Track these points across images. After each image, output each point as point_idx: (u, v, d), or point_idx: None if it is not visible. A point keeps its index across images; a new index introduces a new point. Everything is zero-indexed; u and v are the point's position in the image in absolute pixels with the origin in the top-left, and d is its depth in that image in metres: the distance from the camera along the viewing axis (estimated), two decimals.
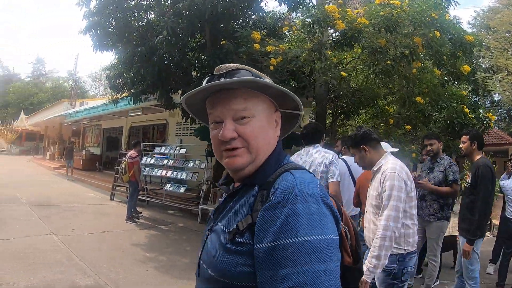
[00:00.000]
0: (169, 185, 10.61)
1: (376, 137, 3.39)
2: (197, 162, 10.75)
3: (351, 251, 1.25)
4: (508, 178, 6.77)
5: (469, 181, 4.64)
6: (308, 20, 6.68)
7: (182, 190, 10.69)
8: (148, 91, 9.74)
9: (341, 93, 8.46)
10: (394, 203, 2.94)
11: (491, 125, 9.43)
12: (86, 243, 7.37)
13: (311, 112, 12.49)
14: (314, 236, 0.95)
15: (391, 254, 2.96)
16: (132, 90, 9.87)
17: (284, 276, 0.93)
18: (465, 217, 4.58)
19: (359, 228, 4.57)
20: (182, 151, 11.44)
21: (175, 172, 10.64)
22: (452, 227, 6.96)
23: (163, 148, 11.47)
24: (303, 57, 6.99)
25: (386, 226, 2.90)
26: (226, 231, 1.09)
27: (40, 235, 7.61)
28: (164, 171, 10.71)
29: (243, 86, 1.13)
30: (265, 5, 9.62)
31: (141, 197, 11.12)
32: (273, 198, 1.02)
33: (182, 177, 10.71)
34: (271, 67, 6.67)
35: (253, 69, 1.19)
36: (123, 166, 10.05)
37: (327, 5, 7.29)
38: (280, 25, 9.91)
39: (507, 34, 13.30)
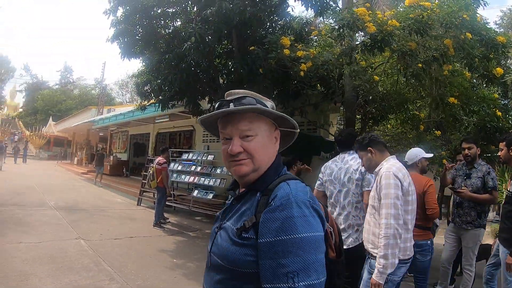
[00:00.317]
0: (197, 191, 10.60)
1: (382, 141, 3.50)
2: (225, 169, 10.63)
3: (335, 247, 1.51)
4: None
5: (510, 189, 4.46)
6: (338, 24, 6.55)
7: (210, 196, 10.62)
8: (175, 97, 9.76)
9: (370, 97, 8.32)
10: (391, 201, 2.98)
11: None
12: (114, 248, 7.42)
13: (339, 118, 12.35)
14: (306, 234, 1.23)
15: None
16: (160, 97, 9.89)
17: (283, 264, 1.19)
18: (505, 227, 4.40)
19: None
20: (210, 157, 11.39)
21: (202, 179, 10.61)
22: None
23: (191, 154, 11.46)
24: (333, 62, 6.85)
25: (387, 224, 2.93)
26: (234, 228, 1.35)
27: (68, 239, 7.69)
28: (192, 177, 10.70)
29: (248, 112, 1.40)
30: (292, 10, 9.52)
31: (168, 203, 11.14)
32: (273, 203, 1.28)
33: (209, 184, 10.66)
34: (301, 73, 6.58)
35: (257, 94, 1.48)
36: (151, 172, 10.07)
37: (352, 9, 7.16)
38: (307, 30, 9.81)
39: None
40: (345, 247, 3.78)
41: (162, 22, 9.59)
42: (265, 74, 7.77)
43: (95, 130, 30.39)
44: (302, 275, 1.19)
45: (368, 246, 3.30)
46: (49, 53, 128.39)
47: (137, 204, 13.39)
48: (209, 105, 10.09)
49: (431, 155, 5.02)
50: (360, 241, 3.90)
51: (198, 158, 11.56)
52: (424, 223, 4.44)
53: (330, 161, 4.33)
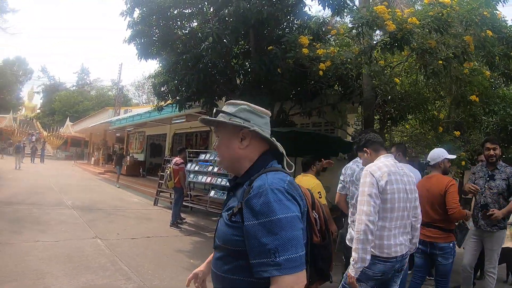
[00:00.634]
0: (213, 191, 10.55)
1: (378, 141, 3.52)
2: None
3: (321, 232, 1.73)
4: None
5: None
6: (357, 22, 6.46)
7: None
8: (192, 98, 9.74)
9: (389, 97, 8.22)
10: (365, 198, 3.06)
11: None
12: (131, 248, 7.40)
13: (356, 118, 12.23)
14: (282, 215, 1.43)
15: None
16: (177, 97, 9.89)
17: (265, 243, 1.41)
18: None
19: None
20: None
21: (219, 179, 10.56)
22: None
23: (207, 155, 11.43)
24: (352, 61, 6.75)
25: (359, 220, 3.01)
26: (227, 214, 1.62)
27: (85, 239, 7.70)
28: (209, 178, 10.66)
29: (204, 123, 1.84)
30: (309, 10, 9.45)
31: (185, 203, 11.10)
32: (252, 192, 1.51)
33: (226, 184, 10.58)
34: (320, 72, 6.50)
35: (230, 103, 1.79)
36: (168, 172, 10.07)
37: (369, 7, 7.05)
38: (324, 29, 9.73)
39: None
40: None
41: (179, 23, 9.60)
42: (283, 74, 7.72)
43: (112, 130, 30.53)
44: (282, 250, 1.40)
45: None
46: (66, 54, 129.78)
47: (154, 204, 13.41)
48: None
49: (454, 156, 4.92)
50: None
51: (215, 158, 11.43)
52: (446, 225, 4.37)
53: (351, 162, 4.26)
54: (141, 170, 23.78)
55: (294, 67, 7.37)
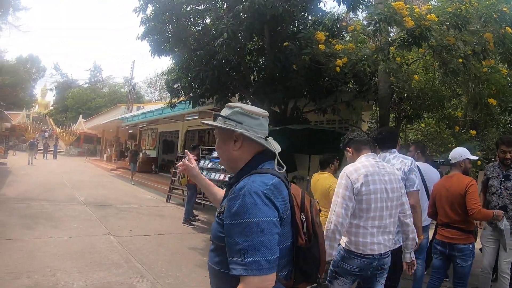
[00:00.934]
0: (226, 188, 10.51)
1: (361, 140, 3.50)
2: None
3: (308, 235, 1.73)
4: None
5: None
6: (375, 18, 6.34)
7: None
8: (206, 95, 9.70)
9: (405, 95, 8.09)
10: (338, 199, 3.14)
11: None
12: (144, 245, 7.38)
13: (370, 117, 12.08)
14: (255, 219, 1.48)
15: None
16: (191, 94, 9.85)
17: (237, 242, 1.48)
18: None
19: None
20: None
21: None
22: None
23: None
24: (370, 57, 6.62)
25: (330, 219, 3.12)
26: (217, 212, 1.71)
27: (98, 235, 7.71)
28: (222, 175, 10.61)
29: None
30: (324, 6, 9.34)
31: (198, 200, 11.05)
32: (232, 193, 1.59)
33: None
34: (337, 69, 6.39)
35: (227, 106, 1.86)
36: None
37: (387, 3, 6.92)
38: (338, 26, 9.62)
39: None
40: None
41: (192, 19, 9.54)
42: (298, 70, 7.63)
43: (125, 127, 30.69)
44: (250, 252, 1.45)
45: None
46: (79, 52, 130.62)
47: (166, 201, 13.40)
48: (240, 102, 10.01)
49: (476, 157, 4.81)
50: (401, 244, 3.75)
51: None
52: (466, 226, 4.29)
53: None
54: (153, 167, 23.87)
55: (309, 64, 7.26)
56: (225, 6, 9.17)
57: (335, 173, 5.45)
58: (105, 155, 36.73)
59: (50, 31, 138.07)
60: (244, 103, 2.04)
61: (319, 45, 6.61)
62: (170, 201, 13.38)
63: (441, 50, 6.54)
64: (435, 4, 7.34)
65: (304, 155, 10.48)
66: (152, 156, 25.57)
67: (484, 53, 6.43)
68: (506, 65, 7.40)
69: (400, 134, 9.73)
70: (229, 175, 10.73)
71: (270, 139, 1.82)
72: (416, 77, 7.49)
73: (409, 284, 5.19)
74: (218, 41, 7.48)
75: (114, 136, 36.66)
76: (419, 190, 3.81)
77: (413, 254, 3.49)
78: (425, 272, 5.11)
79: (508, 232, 4.62)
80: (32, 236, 7.06)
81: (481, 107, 7.65)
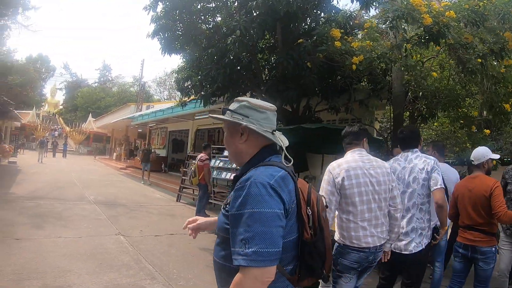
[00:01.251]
0: None
1: (350, 136, 3.56)
2: None
3: (314, 229, 1.69)
4: None
5: None
6: (392, 15, 6.18)
7: None
8: (217, 94, 9.60)
9: (420, 93, 7.93)
10: (322, 194, 3.09)
11: None
12: (155, 245, 7.29)
13: (382, 116, 11.91)
14: (259, 209, 1.48)
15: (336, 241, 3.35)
16: (202, 93, 9.76)
17: (239, 232, 1.48)
18: None
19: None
20: None
21: None
22: None
23: None
24: (388, 55, 6.46)
25: None
26: (223, 205, 1.72)
27: (108, 235, 7.63)
28: (233, 175, 10.49)
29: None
30: (337, 3, 9.22)
31: (208, 200, 10.95)
32: (238, 184, 1.59)
33: None
34: (353, 66, 6.24)
35: (235, 100, 1.87)
36: (192, 169, 9.92)
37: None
38: (351, 23, 9.47)
39: None
40: (406, 252, 3.54)
41: (202, 17, 9.47)
42: (311, 68, 7.51)
43: (134, 126, 30.76)
44: (252, 242, 1.45)
45: None
46: (88, 52, 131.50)
47: (177, 200, 13.34)
48: None
49: (498, 156, 4.67)
50: (424, 246, 3.63)
51: None
52: (489, 228, 4.17)
53: (391, 160, 4.03)
54: (163, 166, 23.84)
55: (323, 62, 7.13)
56: (236, 4, 9.11)
57: None
58: (115, 154, 36.91)
59: (59, 31, 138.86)
60: None
61: (335, 42, 6.47)
62: (181, 201, 13.31)
63: (458, 48, 6.40)
64: (452, 0, 7.19)
65: (317, 155, 10.35)
66: (162, 155, 25.55)
67: (502, 52, 6.28)
68: None
69: None
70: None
71: (277, 133, 1.83)
72: (434, 74, 7.33)
73: (427, 287, 5.07)
74: (231, 38, 7.39)
75: (123, 135, 36.81)
76: (443, 188, 3.66)
77: (393, 245, 3.51)
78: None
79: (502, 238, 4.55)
80: (41, 236, 6.98)
81: (497, 108, 7.51)
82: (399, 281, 4.04)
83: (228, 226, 1.58)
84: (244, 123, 1.75)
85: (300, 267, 1.70)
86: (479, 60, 6.30)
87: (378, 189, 3.27)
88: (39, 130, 44.73)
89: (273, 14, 7.30)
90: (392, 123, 8.48)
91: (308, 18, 9.31)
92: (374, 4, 7.87)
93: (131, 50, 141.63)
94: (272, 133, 1.79)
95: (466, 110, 8.80)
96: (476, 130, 8.34)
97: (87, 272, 5.39)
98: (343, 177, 3.25)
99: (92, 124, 47.67)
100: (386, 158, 8.52)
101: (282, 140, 1.81)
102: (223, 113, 1.86)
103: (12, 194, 11.15)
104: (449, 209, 4.61)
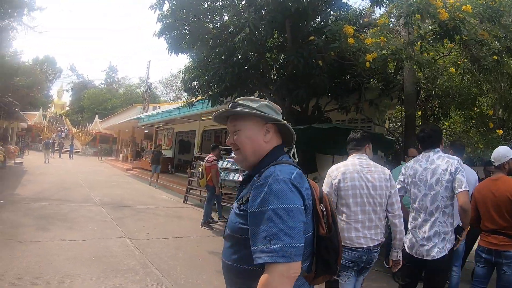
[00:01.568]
0: None
1: (351, 142, 3.73)
2: None
3: (328, 225, 1.71)
4: None
5: None
6: (406, 10, 5.98)
7: None
8: (225, 93, 9.46)
9: (434, 92, 7.74)
10: None
11: None
12: (161, 249, 7.08)
13: (393, 115, 11.73)
14: (282, 205, 1.48)
15: None
16: (210, 92, 9.62)
17: (263, 229, 1.46)
18: None
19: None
20: None
21: None
22: None
23: None
24: (403, 51, 6.25)
25: None
26: (237, 204, 1.68)
27: (113, 238, 7.44)
28: (241, 176, 10.31)
29: (230, 114, 1.78)
30: (347, 0, 9.05)
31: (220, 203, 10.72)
32: (259, 181, 1.56)
33: None
34: (367, 64, 6.03)
35: (251, 98, 1.81)
36: (200, 170, 9.74)
37: None
38: (361, 21, 9.30)
39: None
40: (428, 258, 3.34)
41: (209, 16, 9.37)
42: (322, 67, 7.33)
43: (140, 127, 30.71)
44: (277, 238, 1.42)
45: None
46: (94, 53, 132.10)
47: (184, 202, 13.15)
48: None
49: None
50: (447, 252, 3.44)
51: None
52: None
53: (412, 161, 3.83)
54: (169, 167, 23.73)
55: (335, 60, 6.95)
56: (243, 2, 9.00)
57: None
58: (121, 155, 36.95)
59: (60, 31, 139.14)
60: None
61: (348, 39, 6.27)
62: (188, 202, 13.13)
63: (472, 45, 6.23)
64: None
65: (326, 156, 10.17)
66: (168, 156, 25.42)
67: None
68: None
69: None
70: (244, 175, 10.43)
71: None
72: (452, 69, 7.14)
73: None
74: (240, 35, 7.27)
75: (130, 136, 36.88)
76: (468, 190, 3.46)
77: (399, 254, 3.50)
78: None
79: None
80: (45, 239, 6.81)
81: (510, 110, 7.34)
82: None
83: (245, 226, 1.56)
84: (283, 121, 1.78)
85: (317, 263, 1.70)
86: (495, 58, 6.10)
87: (374, 193, 3.38)
88: (45, 131, 44.89)
89: (283, 11, 7.17)
90: (403, 123, 8.31)
91: (318, 16, 9.16)
92: (385, 1, 7.70)
93: (131, 50, 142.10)
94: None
95: (479, 110, 8.61)
96: (489, 130, 8.16)
97: (91, 277, 5.21)
98: (339, 179, 3.42)
99: (98, 125, 47.86)
100: (397, 159, 8.37)
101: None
102: (233, 107, 1.79)
103: (17, 195, 11.03)
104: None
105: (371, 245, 3.32)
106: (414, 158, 3.90)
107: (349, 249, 3.27)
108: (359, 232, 3.29)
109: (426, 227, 3.51)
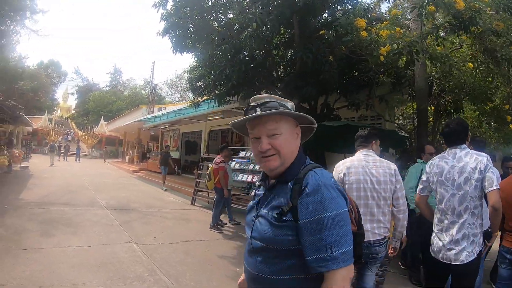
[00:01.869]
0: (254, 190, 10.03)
1: (358, 139, 3.90)
2: None
3: (355, 221, 1.82)
4: None
5: None
6: (419, 1, 5.75)
7: None
8: (231, 92, 9.26)
9: (447, 86, 7.50)
10: None
11: None
12: (170, 254, 6.86)
13: (402, 111, 11.51)
14: (337, 211, 1.50)
15: None
16: (216, 91, 9.42)
17: (321, 238, 1.46)
18: None
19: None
20: None
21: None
22: None
23: (247, 152, 10.87)
24: (417, 44, 6.00)
25: None
26: (273, 214, 1.61)
27: (120, 243, 7.23)
28: (250, 176, 10.09)
29: (273, 115, 1.65)
30: None
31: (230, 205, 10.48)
32: (307, 190, 1.54)
33: None
34: (381, 57, 5.78)
35: (278, 97, 1.73)
36: (208, 172, 9.50)
37: None
38: (369, 16, 9.08)
39: None
40: (457, 263, 3.11)
41: (214, 14, 9.21)
42: (331, 63, 7.11)
43: (146, 129, 30.68)
44: (337, 245, 1.45)
45: None
46: (94, 53, 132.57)
47: (191, 204, 12.97)
48: None
49: None
50: (476, 255, 3.19)
51: (252, 155, 10.89)
52: None
53: (437, 158, 3.57)
54: (176, 168, 23.58)
55: (345, 55, 6.73)
56: (248, 0, 8.77)
57: None
58: (127, 157, 36.90)
59: (60, 31, 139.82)
60: None
61: (361, 32, 6.02)
62: (195, 204, 12.94)
63: (486, 37, 6.03)
64: None
65: (336, 154, 9.94)
66: (175, 157, 25.27)
67: None
68: None
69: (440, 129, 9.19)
70: (257, 176, 10.30)
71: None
72: (470, 64, 6.91)
73: None
74: (246, 31, 7.10)
75: (135, 138, 36.85)
76: (499, 189, 3.21)
77: (397, 244, 3.75)
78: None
79: None
80: (49, 245, 6.60)
81: None
82: None
83: (293, 237, 1.53)
84: (315, 124, 1.80)
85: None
86: None
87: (378, 187, 3.54)
88: (51, 135, 44.98)
89: (290, 6, 7.00)
90: (414, 119, 8.10)
91: (327, 11, 8.95)
92: None
93: (131, 50, 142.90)
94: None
95: (493, 104, 8.36)
96: (506, 124, 7.96)
97: (97, 285, 5.00)
98: (344, 173, 3.63)
99: (104, 128, 47.95)
100: (406, 156, 8.12)
101: None
102: (274, 107, 1.67)
103: (21, 200, 10.87)
104: None
105: (372, 239, 3.43)
106: (439, 155, 3.63)
107: None
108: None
109: (454, 230, 3.27)
